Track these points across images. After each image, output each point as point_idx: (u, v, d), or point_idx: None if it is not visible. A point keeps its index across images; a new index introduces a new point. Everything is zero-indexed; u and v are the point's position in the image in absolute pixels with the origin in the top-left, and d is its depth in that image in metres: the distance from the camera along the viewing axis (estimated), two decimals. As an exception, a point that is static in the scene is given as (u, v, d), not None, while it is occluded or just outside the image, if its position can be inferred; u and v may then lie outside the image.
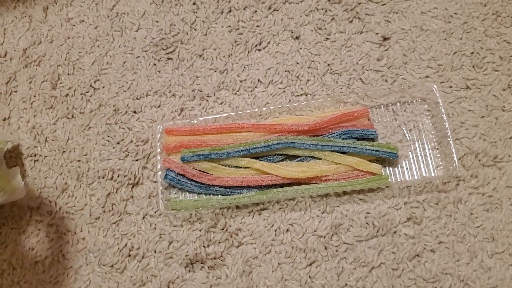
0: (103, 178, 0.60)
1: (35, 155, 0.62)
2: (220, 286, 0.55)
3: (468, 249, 0.53)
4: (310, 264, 0.54)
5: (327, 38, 0.62)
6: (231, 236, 0.56)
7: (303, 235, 0.55)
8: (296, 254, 0.55)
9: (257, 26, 0.64)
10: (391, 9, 0.62)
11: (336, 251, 0.54)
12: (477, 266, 0.52)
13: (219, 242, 0.56)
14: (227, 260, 0.55)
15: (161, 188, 0.57)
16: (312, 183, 0.55)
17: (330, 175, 0.55)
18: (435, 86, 0.56)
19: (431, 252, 0.53)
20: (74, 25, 0.67)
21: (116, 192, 0.59)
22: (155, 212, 0.58)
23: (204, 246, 0.56)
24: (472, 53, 0.60)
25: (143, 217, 0.58)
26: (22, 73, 0.66)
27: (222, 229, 0.56)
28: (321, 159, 0.56)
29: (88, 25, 0.67)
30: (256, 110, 0.59)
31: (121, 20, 0.67)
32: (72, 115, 0.63)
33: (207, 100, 0.62)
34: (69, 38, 0.67)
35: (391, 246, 0.54)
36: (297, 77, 0.61)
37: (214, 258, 0.56)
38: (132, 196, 0.59)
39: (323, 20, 0.63)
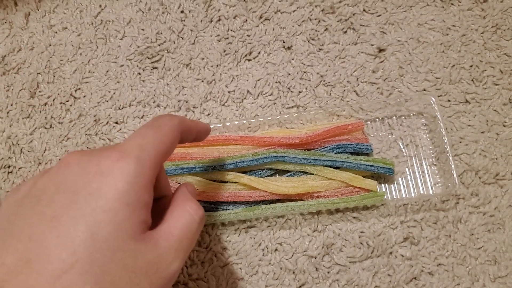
0: (80, 192, 0.56)
1: (9, 167, 0.59)
2: (202, 309, 0.51)
3: (469, 272, 0.49)
4: (300, 287, 0.50)
5: (320, 49, 0.60)
6: (215, 256, 0.52)
7: (292, 255, 0.52)
8: (285, 275, 0.51)
9: (247, 35, 0.61)
10: (386, 20, 0.60)
11: (328, 272, 0.51)
12: (479, 291, 0.49)
13: (203, 262, 0.52)
14: (211, 282, 0.51)
15: (141, 203, 0.53)
16: (302, 200, 0.52)
17: (322, 191, 0.52)
18: (433, 99, 0.53)
19: (430, 275, 0.50)
20: (56, 32, 0.64)
21: (93, 207, 0.55)
22: (134, 229, 0.54)
23: (186, 266, 0.52)
24: (471, 66, 0.57)
25: (122, 234, 0.54)
26: (-1, 81, 0.63)
27: (206, 248, 0.53)
28: (312, 174, 0.53)
29: (71, 32, 0.64)
30: (244, 122, 0.56)
31: (105, 27, 0.64)
32: (50, 125, 0.60)
33: (193, 111, 0.59)
34: (50, 45, 0.64)
35: (386, 268, 0.50)
36: (289, 88, 0.58)
37: (197, 279, 0.52)
38: (111, 212, 0.55)
39: (316, 31, 0.60)
